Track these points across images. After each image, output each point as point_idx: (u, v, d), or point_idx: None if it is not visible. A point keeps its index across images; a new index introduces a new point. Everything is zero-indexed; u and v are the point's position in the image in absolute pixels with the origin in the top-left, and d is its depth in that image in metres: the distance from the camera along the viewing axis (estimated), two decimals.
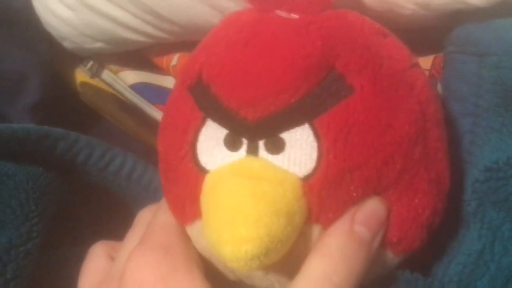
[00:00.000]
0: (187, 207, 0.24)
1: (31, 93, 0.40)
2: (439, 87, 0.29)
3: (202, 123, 0.24)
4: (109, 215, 0.33)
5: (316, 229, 0.22)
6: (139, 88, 0.42)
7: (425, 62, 0.30)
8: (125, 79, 0.42)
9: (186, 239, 0.25)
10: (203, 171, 0.23)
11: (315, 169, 0.22)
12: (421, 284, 0.23)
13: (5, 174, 0.26)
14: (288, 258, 0.22)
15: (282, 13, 0.24)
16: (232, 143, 0.23)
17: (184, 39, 0.37)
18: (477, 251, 0.24)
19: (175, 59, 0.38)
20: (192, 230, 0.25)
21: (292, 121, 0.22)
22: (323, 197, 0.22)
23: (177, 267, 0.23)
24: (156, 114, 0.41)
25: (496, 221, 0.24)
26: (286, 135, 0.22)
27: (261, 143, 0.22)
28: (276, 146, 0.22)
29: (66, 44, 0.40)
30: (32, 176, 0.27)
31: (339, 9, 0.25)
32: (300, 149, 0.22)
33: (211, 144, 0.23)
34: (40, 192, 0.27)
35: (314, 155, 0.22)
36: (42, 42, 0.41)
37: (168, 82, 0.41)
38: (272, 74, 0.22)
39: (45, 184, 0.28)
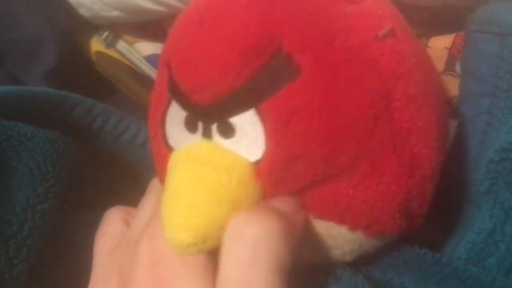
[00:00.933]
0: (162, 183, 0.25)
1: (48, 59, 0.40)
2: (457, 66, 0.29)
3: (168, 103, 0.24)
4: (123, 182, 0.33)
5: None
6: (153, 59, 0.42)
7: (446, 40, 0.30)
8: (140, 50, 0.43)
9: None
10: (170, 150, 0.24)
11: (264, 155, 0.21)
12: (430, 258, 0.23)
13: (24, 135, 0.27)
14: None
15: None
16: (190, 125, 0.23)
17: None
18: (487, 230, 0.24)
19: None
20: None
21: (238, 106, 0.21)
22: (273, 182, 0.22)
23: None
24: None
25: (509, 202, 0.24)
26: (235, 120, 0.22)
27: (214, 127, 0.22)
28: (227, 131, 0.22)
29: (83, 11, 0.40)
30: (49, 139, 0.28)
31: None
32: (250, 134, 0.22)
33: (175, 124, 0.24)
34: (57, 154, 0.27)
35: (261, 141, 0.21)
36: (59, 10, 0.41)
37: None
38: (215, 58, 0.21)
39: (62, 148, 0.28)
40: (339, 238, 0.23)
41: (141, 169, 0.34)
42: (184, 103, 0.23)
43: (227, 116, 0.22)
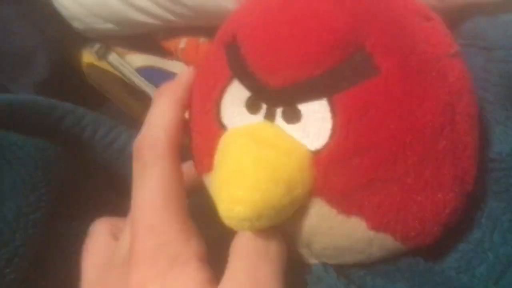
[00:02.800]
0: (205, 158, 0.25)
1: (39, 70, 0.41)
2: None
3: (229, 82, 0.25)
4: (112, 192, 0.33)
5: (319, 203, 0.23)
6: (145, 71, 0.43)
7: None
8: (131, 62, 0.43)
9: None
10: (222, 128, 0.25)
11: (326, 145, 0.22)
12: (422, 266, 0.24)
13: (15, 143, 0.27)
14: (291, 223, 0.23)
15: None
16: (252, 106, 0.24)
17: (193, 23, 0.38)
18: (476, 239, 0.25)
19: (182, 42, 0.39)
20: (206, 179, 0.26)
21: (311, 94, 0.22)
22: (329, 173, 0.22)
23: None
24: None
25: (496, 211, 0.25)
26: (303, 107, 0.23)
27: (279, 111, 0.23)
28: (293, 116, 0.23)
29: (76, 24, 0.41)
30: (40, 147, 0.28)
31: None
32: (315, 123, 0.22)
33: (234, 104, 0.24)
34: (48, 162, 0.28)
35: (327, 130, 0.22)
36: (51, 22, 0.42)
37: (174, 66, 0.42)
38: (298, 44, 0.22)
39: (52, 156, 0.29)
40: (377, 246, 0.23)
41: (131, 179, 0.34)
42: (251, 84, 0.23)
43: (297, 101, 0.23)
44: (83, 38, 0.43)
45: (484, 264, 0.25)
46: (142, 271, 0.22)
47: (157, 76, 0.42)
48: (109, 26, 0.40)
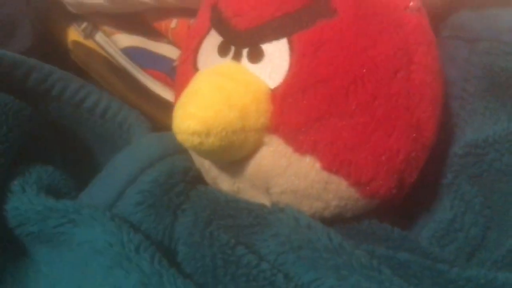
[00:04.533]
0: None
1: (22, 39, 0.41)
2: None
3: (207, 32, 0.28)
4: (78, 155, 0.33)
5: (275, 140, 0.25)
6: (131, 51, 0.43)
7: None
8: (118, 42, 0.44)
9: None
10: (196, 71, 0.27)
11: (283, 81, 0.25)
12: (397, 234, 0.25)
13: None
14: (251, 163, 0.25)
15: None
16: (222, 50, 0.26)
17: (187, 5, 0.38)
18: (447, 219, 0.26)
19: (173, 23, 0.40)
20: None
21: (272, 34, 0.25)
22: (284, 108, 0.24)
23: None
24: (145, 79, 0.42)
25: (469, 194, 0.26)
26: (266, 47, 0.25)
27: (244, 52, 0.26)
28: (256, 55, 0.25)
29: None
30: (2, 101, 0.28)
31: None
32: (275, 61, 0.25)
33: (209, 50, 0.27)
34: (10, 117, 0.27)
35: (285, 67, 0.24)
36: None
37: (161, 48, 0.43)
38: None
39: (15, 111, 0.28)
40: (332, 192, 0.25)
41: (99, 143, 0.34)
42: (223, 28, 0.26)
43: (260, 41, 0.25)
44: (70, 15, 0.43)
45: (454, 243, 0.26)
46: None
47: (143, 57, 0.43)
48: (100, 1, 0.40)
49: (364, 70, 0.24)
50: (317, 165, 0.24)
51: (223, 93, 0.24)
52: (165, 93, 0.41)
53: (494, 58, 0.27)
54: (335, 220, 0.26)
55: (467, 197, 0.26)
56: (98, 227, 0.23)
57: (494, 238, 0.26)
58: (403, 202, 0.27)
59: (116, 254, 0.21)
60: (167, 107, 0.38)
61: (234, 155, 0.25)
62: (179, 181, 0.26)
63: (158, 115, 0.40)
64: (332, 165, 0.24)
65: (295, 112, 0.24)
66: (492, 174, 0.26)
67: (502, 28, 0.28)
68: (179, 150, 0.29)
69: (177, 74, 0.30)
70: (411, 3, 0.27)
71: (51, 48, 0.43)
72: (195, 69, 0.28)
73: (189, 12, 0.39)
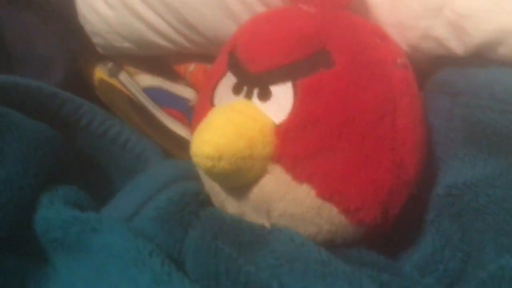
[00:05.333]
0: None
1: (54, 77, 0.45)
2: None
3: (223, 74, 0.32)
4: (100, 181, 0.37)
5: (278, 169, 0.28)
6: (151, 91, 0.47)
7: None
8: (139, 82, 0.48)
9: None
10: (213, 106, 0.32)
11: (287, 118, 0.28)
12: (384, 261, 0.28)
13: (14, 123, 0.30)
14: (254, 189, 0.29)
15: (303, 6, 0.32)
16: (236, 89, 0.31)
17: (205, 52, 0.43)
18: (429, 252, 0.29)
19: (192, 66, 0.44)
20: None
21: (280, 78, 0.29)
22: (286, 142, 0.28)
23: None
24: (163, 117, 0.46)
25: (449, 230, 0.29)
26: (274, 88, 0.29)
27: (255, 92, 0.30)
28: (265, 95, 0.29)
29: (96, 39, 0.45)
30: (37, 129, 0.31)
31: (354, 13, 0.33)
32: (281, 101, 0.29)
33: (224, 90, 0.32)
34: (45, 143, 0.31)
35: (289, 107, 0.29)
36: (72, 35, 0.46)
37: (179, 90, 0.47)
38: (274, 41, 0.30)
39: (49, 138, 0.32)
40: (325, 218, 0.28)
41: (118, 172, 0.37)
42: (238, 70, 0.31)
43: (270, 83, 0.29)
44: (98, 55, 0.48)
45: (434, 274, 0.29)
46: None
47: (162, 97, 0.47)
48: (127, 45, 0.45)
49: (355, 114, 0.28)
50: (312, 192, 0.28)
51: (235, 125, 0.28)
52: (181, 131, 0.45)
53: (472, 111, 0.31)
54: (327, 246, 0.29)
55: (447, 233, 0.29)
56: (116, 235, 0.26)
57: (471, 272, 0.29)
58: (391, 235, 0.30)
59: (132, 257, 0.24)
60: (182, 144, 0.42)
61: (241, 180, 0.28)
62: (190, 201, 0.30)
63: (173, 150, 0.43)
64: (325, 193, 0.28)
65: (295, 146, 0.28)
66: (469, 213, 0.29)
67: (480, 85, 0.31)
68: (192, 176, 0.32)
69: (195, 110, 0.34)
70: (399, 60, 0.31)
71: (80, 85, 0.47)
72: (212, 105, 0.32)
73: (206, 58, 0.44)
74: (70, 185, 0.33)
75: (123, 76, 0.49)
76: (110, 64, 0.48)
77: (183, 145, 0.42)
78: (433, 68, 0.34)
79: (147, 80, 0.48)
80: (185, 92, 0.47)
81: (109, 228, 0.26)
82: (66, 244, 0.28)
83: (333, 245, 0.29)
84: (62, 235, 0.28)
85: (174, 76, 0.47)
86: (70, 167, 0.35)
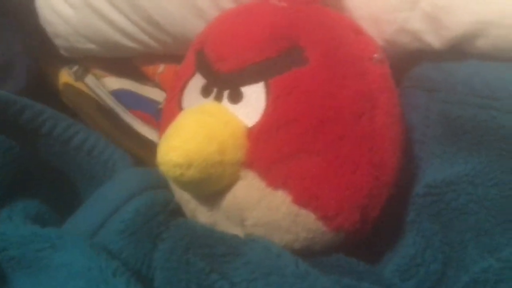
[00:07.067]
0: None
1: (16, 80, 0.43)
2: None
3: (192, 75, 0.30)
4: (65, 191, 0.34)
5: (251, 175, 0.27)
6: (119, 93, 0.45)
7: None
8: (107, 84, 0.46)
9: None
10: (181, 110, 0.29)
11: (259, 120, 0.27)
12: (362, 267, 0.27)
13: None
14: (227, 196, 0.27)
15: (274, 1, 0.31)
16: (206, 91, 0.29)
17: (174, 52, 0.41)
18: (410, 255, 0.28)
19: (161, 67, 0.43)
20: None
21: (252, 78, 0.27)
22: (259, 145, 0.26)
23: None
24: (131, 119, 0.44)
25: (429, 231, 0.28)
26: (245, 89, 0.27)
27: (225, 93, 0.28)
28: (236, 97, 0.27)
29: (59, 41, 0.43)
30: None
31: (327, 7, 0.31)
32: (253, 102, 0.27)
33: (193, 92, 0.29)
34: (0, 156, 0.29)
35: (261, 108, 0.27)
36: (33, 37, 0.44)
37: (148, 91, 0.45)
38: (244, 38, 0.28)
39: (4, 149, 0.30)
40: (301, 225, 0.27)
41: (85, 180, 0.35)
42: (207, 71, 0.29)
43: (241, 84, 0.27)
44: (62, 58, 0.45)
45: (415, 277, 0.27)
46: None
47: (131, 99, 0.45)
48: (91, 46, 0.43)
49: (331, 113, 0.27)
50: (288, 199, 0.26)
51: (204, 128, 0.26)
52: (150, 133, 0.43)
53: (450, 107, 0.30)
54: (305, 254, 0.27)
55: (427, 234, 0.28)
56: (77, 252, 0.24)
57: (452, 274, 0.27)
58: (371, 238, 0.29)
59: (93, 277, 0.23)
60: (151, 146, 0.41)
61: (212, 188, 0.27)
62: (159, 212, 0.28)
63: (142, 153, 0.41)
64: (302, 199, 0.26)
65: (269, 149, 0.26)
66: (449, 213, 0.28)
67: (458, 79, 0.30)
68: (160, 184, 0.30)
69: (163, 113, 0.32)
70: (375, 55, 0.29)
71: (43, 89, 0.45)
72: (180, 108, 0.30)
73: (176, 58, 0.42)
74: (32, 198, 0.31)
75: (89, 79, 0.47)
76: (75, 67, 0.46)
77: (154, 149, 0.40)
78: (410, 63, 0.33)
79: (115, 82, 0.46)
80: (155, 94, 0.45)
81: (70, 244, 0.24)
82: (24, 262, 0.26)
83: (310, 252, 0.27)
84: (20, 253, 0.26)
85: (142, 78, 0.45)
86: (31, 177, 0.33)
